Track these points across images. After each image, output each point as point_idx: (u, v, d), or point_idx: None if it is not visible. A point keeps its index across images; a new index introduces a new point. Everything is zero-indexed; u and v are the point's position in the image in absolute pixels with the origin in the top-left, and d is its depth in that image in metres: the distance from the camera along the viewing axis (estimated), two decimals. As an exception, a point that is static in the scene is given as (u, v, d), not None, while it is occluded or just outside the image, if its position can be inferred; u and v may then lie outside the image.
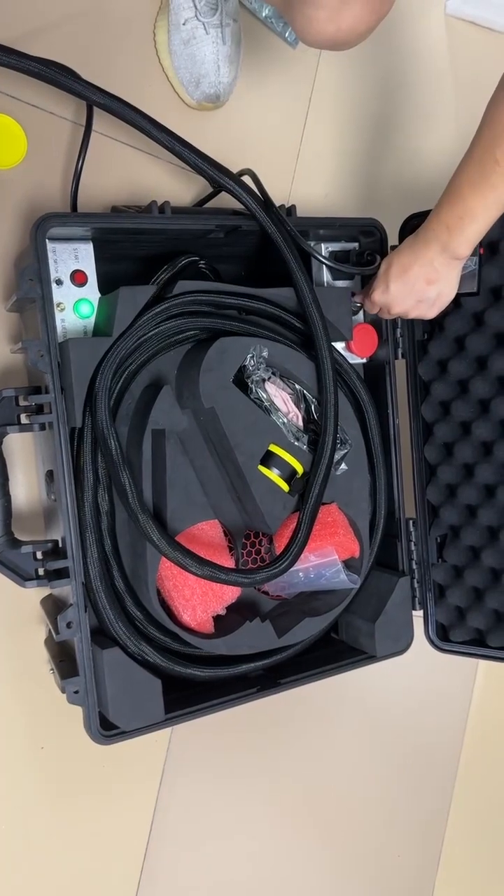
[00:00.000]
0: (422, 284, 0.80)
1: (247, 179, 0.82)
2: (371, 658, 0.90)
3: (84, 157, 0.85)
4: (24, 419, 0.76)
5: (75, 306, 0.76)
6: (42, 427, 0.74)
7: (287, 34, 1.02)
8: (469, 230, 0.74)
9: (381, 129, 1.10)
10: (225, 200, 0.92)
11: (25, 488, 0.88)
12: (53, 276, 0.74)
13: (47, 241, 0.71)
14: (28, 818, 0.90)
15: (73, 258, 0.75)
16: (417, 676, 1.17)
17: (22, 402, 0.75)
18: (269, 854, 1.09)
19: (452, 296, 0.81)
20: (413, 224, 0.89)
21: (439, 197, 0.77)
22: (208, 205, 0.93)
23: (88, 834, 0.95)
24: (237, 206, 0.85)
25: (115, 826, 0.96)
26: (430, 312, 0.83)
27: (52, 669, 0.87)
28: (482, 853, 1.27)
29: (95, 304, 0.77)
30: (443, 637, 0.95)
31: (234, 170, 0.81)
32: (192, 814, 1.02)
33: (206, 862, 1.04)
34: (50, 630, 0.88)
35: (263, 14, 1.00)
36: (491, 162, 0.70)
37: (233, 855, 1.06)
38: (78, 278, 0.75)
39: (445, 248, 0.76)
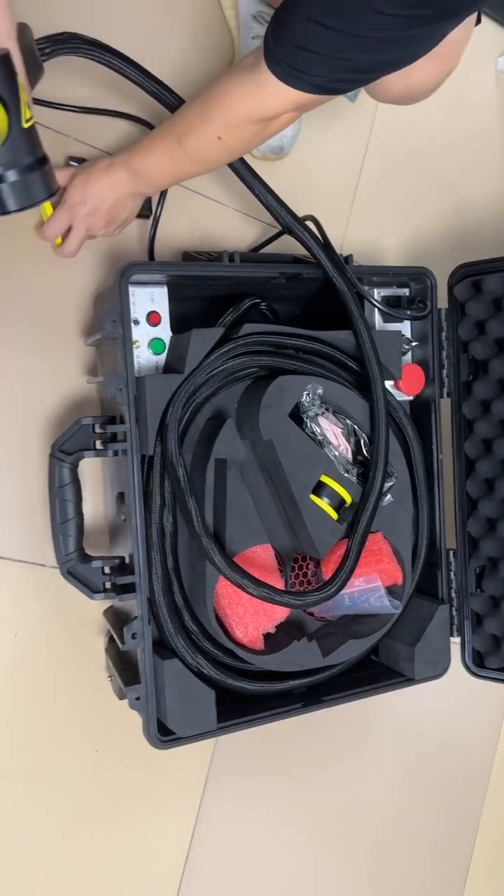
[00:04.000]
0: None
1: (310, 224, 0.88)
2: (409, 680, 0.94)
3: (163, 204, 0.93)
4: (98, 445, 0.83)
5: (150, 344, 0.83)
6: (115, 453, 0.81)
7: (346, 90, 1.09)
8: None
9: (432, 178, 1.17)
10: (286, 245, 0.99)
11: (90, 507, 0.95)
12: (132, 316, 0.81)
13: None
14: (80, 816, 0.96)
15: (149, 300, 0.82)
16: (451, 700, 1.20)
17: (97, 430, 0.82)
18: (299, 864, 1.13)
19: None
20: (462, 273, 0.95)
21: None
22: (268, 249, 1.00)
23: (134, 835, 1.00)
24: (294, 251, 0.91)
25: (159, 829, 1.02)
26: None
27: (110, 677, 0.94)
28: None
29: (167, 342, 0.84)
30: (478, 663, 0.99)
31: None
32: (231, 822, 1.07)
33: (243, 870, 1.08)
34: (109, 639, 0.95)
35: (325, 73, 1.07)
36: (175, 143, 0.78)
37: (268, 865, 1.10)
38: (153, 319, 0.82)
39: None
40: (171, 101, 0.84)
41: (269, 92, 0.70)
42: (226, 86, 0.73)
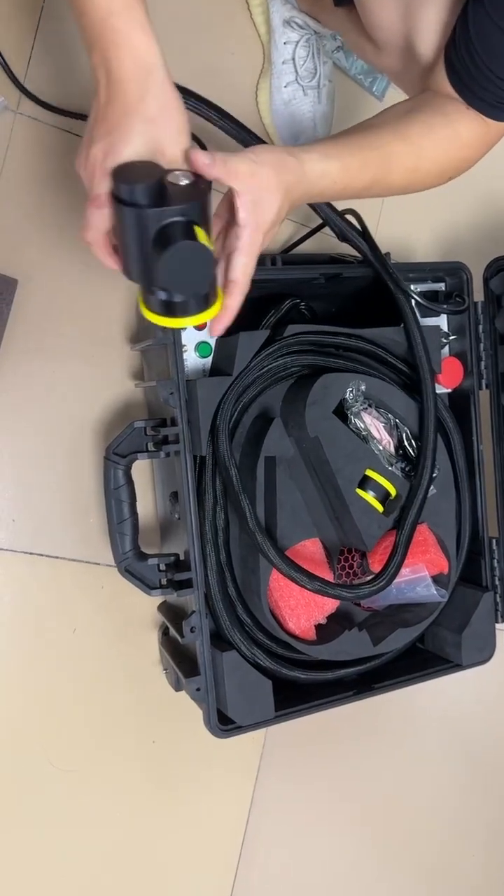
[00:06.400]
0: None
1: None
2: (456, 666, 0.96)
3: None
4: (150, 447, 0.85)
5: (196, 347, 0.85)
6: (167, 454, 0.84)
7: (374, 88, 1.11)
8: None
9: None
10: (320, 243, 1.01)
11: (140, 506, 0.98)
12: (179, 322, 0.84)
13: (175, 291, 0.81)
14: (143, 805, 1.00)
15: (195, 305, 0.85)
16: (495, 684, 1.23)
17: (149, 432, 0.85)
18: (351, 847, 1.16)
19: None
20: (498, 266, 0.96)
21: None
22: (302, 246, 1.02)
23: (194, 822, 1.03)
24: (329, 249, 0.93)
25: (216, 816, 1.05)
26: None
27: (165, 669, 0.97)
28: None
29: (213, 344, 0.86)
30: (523, 648, 1.01)
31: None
32: (283, 808, 1.10)
33: (297, 857, 1.12)
34: (163, 633, 0.98)
35: (353, 72, 1.08)
36: (367, 188, 0.78)
37: (320, 848, 1.13)
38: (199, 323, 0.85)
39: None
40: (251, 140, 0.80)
41: (499, 132, 0.81)
42: (460, 152, 0.81)
